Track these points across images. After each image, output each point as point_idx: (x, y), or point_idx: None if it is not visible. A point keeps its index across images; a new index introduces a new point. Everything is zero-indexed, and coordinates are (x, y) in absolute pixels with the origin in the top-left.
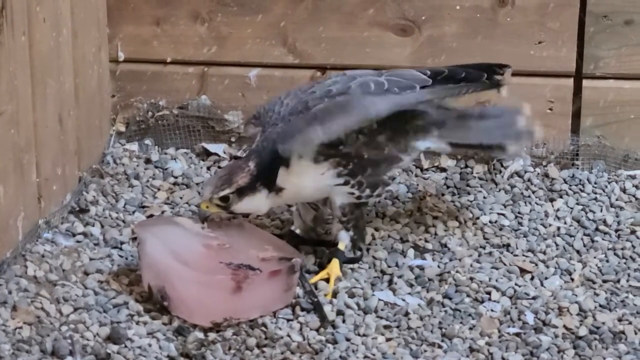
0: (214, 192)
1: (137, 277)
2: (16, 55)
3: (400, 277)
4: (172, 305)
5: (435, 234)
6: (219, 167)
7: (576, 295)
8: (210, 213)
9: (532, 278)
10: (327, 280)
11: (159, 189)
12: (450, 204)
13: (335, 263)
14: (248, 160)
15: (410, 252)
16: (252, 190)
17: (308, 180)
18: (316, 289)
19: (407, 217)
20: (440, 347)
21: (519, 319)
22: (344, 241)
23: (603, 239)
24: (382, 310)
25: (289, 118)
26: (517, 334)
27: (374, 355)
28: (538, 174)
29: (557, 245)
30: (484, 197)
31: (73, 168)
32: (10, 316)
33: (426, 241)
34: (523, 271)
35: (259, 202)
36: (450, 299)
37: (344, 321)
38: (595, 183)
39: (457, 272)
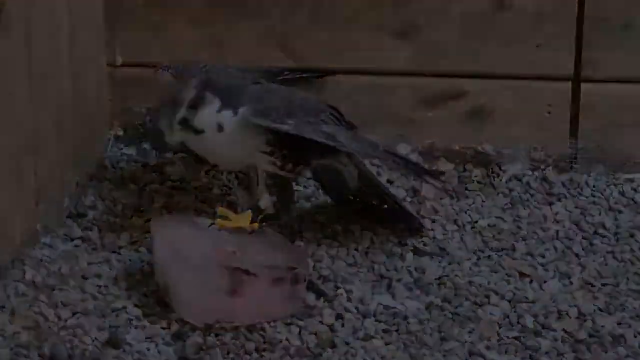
0: (172, 118)
1: (136, 281)
2: (14, 59)
3: (399, 280)
4: (172, 302)
5: (434, 237)
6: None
7: (575, 299)
8: (179, 143)
9: (531, 282)
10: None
11: (157, 193)
12: (449, 207)
13: (247, 214)
14: (188, 81)
15: (409, 256)
16: (202, 100)
17: (244, 133)
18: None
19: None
20: (439, 350)
21: (518, 323)
22: (264, 200)
23: (602, 243)
24: (381, 314)
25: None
26: (517, 338)
27: (373, 359)
28: (536, 177)
29: (556, 248)
30: (483, 201)
31: (71, 172)
32: (9, 321)
33: (425, 245)
34: (522, 275)
35: (211, 114)
36: (449, 302)
37: (342, 325)
38: (594, 186)
39: (456, 275)
